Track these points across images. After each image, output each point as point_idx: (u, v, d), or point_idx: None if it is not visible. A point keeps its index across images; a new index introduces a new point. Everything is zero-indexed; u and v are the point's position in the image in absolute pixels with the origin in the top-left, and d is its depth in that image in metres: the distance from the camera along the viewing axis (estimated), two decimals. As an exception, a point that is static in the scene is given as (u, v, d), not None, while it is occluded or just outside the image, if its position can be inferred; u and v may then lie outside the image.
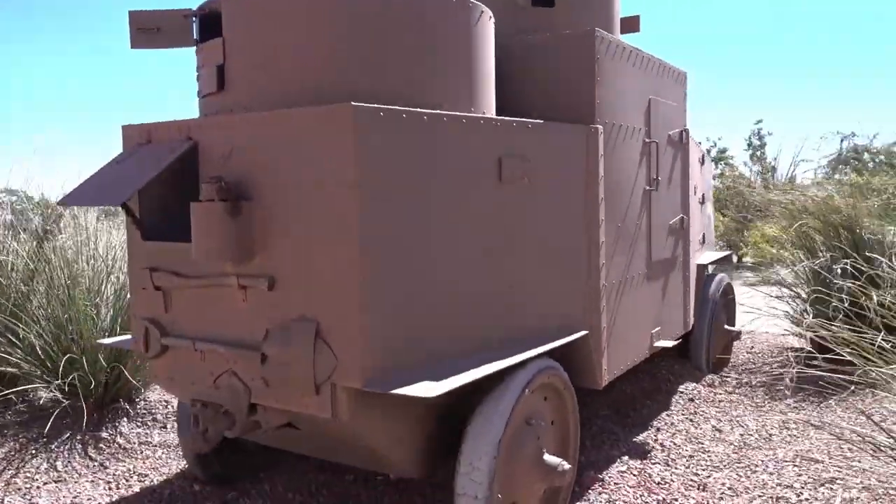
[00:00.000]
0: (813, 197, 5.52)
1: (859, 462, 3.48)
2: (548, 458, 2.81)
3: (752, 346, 6.00)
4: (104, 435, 4.01)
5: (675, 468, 3.55)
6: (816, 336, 2.91)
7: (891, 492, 2.89)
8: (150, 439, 4.04)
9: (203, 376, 2.72)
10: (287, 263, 2.45)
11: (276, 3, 2.60)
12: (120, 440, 3.99)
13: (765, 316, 5.62)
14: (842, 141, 18.67)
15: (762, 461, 3.60)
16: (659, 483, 3.39)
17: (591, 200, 3.35)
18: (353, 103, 2.27)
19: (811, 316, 3.22)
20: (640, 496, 3.26)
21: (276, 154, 2.44)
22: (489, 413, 2.62)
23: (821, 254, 5.54)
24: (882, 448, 2.84)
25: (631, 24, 4.49)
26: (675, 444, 3.86)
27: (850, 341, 2.76)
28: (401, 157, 2.41)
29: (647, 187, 3.94)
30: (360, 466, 2.99)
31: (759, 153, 18.72)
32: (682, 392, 4.65)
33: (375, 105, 2.35)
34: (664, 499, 3.23)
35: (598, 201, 3.36)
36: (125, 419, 4.20)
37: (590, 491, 3.31)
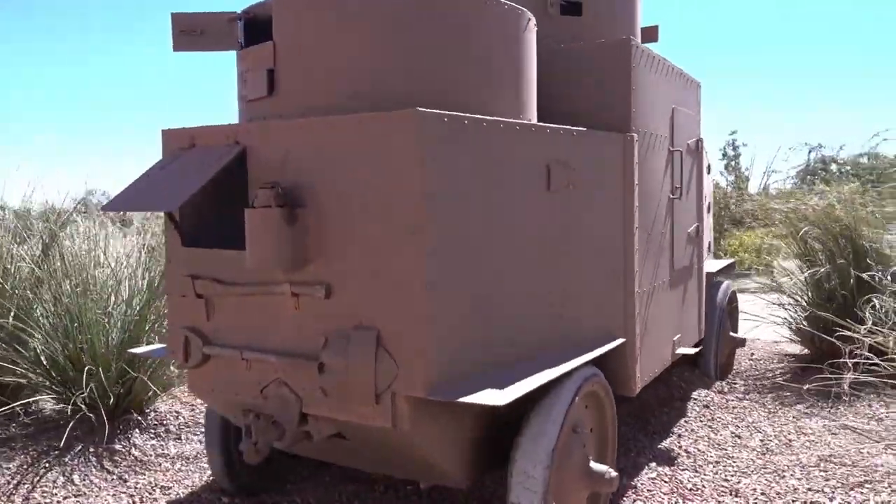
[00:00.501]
0: (814, 206, 5.62)
1: (884, 465, 3.54)
2: (595, 465, 2.80)
3: (752, 353, 6.07)
4: (118, 447, 3.90)
5: (705, 474, 3.57)
6: (874, 342, 2.96)
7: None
8: (166, 451, 3.94)
9: (249, 386, 2.66)
10: (345, 271, 2.40)
11: (330, 8, 2.56)
12: (135, 452, 3.88)
13: (765, 323, 5.72)
14: (809, 152, 19.18)
15: (788, 466, 3.64)
16: (691, 489, 3.40)
17: (627, 208, 3.36)
18: (418, 108, 2.25)
19: (869, 322, 3.27)
20: (675, 503, 3.26)
21: (335, 160, 2.40)
22: (541, 421, 2.60)
23: (819, 262, 5.64)
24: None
25: (650, 34, 4.53)
26: (699, 450, 3.88)
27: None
28: (462, 163, 2.40)
29: (671, 195, 3.97)
30: (404, 476, 2.95)
31: (733, 163, 19.10)
32: (695, 399, 4.69)
33: (439, 111, 2.32)
34: (700, 505, 3.24)
35: (634, 209, 3.37)
36: (137, 430, 4.09)
37: (624, 498, 3.31)
